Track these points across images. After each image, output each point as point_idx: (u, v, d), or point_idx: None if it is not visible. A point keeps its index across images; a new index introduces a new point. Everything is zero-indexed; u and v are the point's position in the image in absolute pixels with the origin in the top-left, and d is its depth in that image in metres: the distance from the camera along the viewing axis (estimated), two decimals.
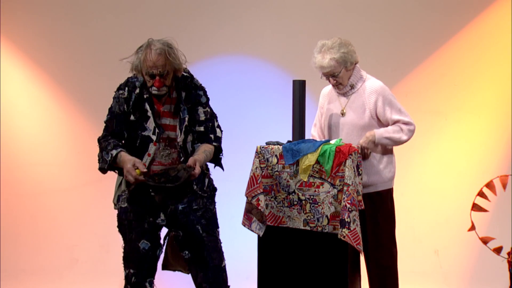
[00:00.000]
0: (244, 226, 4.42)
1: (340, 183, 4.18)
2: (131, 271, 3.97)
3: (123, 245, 4.04)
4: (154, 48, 3.84)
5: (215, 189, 4.14)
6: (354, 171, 4.16)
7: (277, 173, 4.36)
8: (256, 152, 4.40)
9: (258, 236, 4.41)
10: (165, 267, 4.25)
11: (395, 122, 4.36)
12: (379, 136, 4.34)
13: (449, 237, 6.26)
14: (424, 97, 6.37)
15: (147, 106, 3.94)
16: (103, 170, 3.95)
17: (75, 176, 6.62)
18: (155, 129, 3.93)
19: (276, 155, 4.36)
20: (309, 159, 4.26)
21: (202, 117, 4.02)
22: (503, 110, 6.25)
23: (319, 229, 4.24)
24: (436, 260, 6.26)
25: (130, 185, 3.96)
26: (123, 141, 3.99)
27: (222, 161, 4.11)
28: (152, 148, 3.93)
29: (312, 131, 4.70)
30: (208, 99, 4.07)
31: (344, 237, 4.09)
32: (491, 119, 6.29)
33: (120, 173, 3.99)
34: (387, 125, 4.40)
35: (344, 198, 4.12)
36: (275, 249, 4.39)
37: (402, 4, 6.43)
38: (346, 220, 4.08)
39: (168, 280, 5.60)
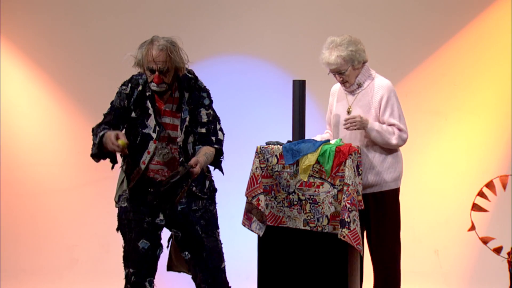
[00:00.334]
0: (244, 226, 4.42)
1: (340, 183, 4.18)
2: (131, 270, 3.97)
3: (123, 244, 4.04)
4: (157, 44, 3.84)
5: (215, 190, 4.13)
6: (354, 171, 4.16)
7: (277, 173, 4.36)
8: (256, 152, 4.40)
9: (258, 236, 4.41)
10: (169, 268, 4.24)
11: (391, 125, 4.34)
12: (372, 125, 4.29)
13: (449, 237, 6.25)
14: (424, 97, 6.36)
15: (149, 104, 3.95)
16: (95, 156, 3.89)
17: (75, 176, 6.62)
18: (155, 127, 3.93)
19: (276, 155, 4.36)
20: (309, 159, 4.26)
21: (205, 118, 4.01)
22: (503, 110, 6.24)
23: (319, 229, 4.24)
24: (436, 260, 6.25)
25: (130, 182, 3.96)
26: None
27: (222, 163, 4.10)
28: (152, 146, 3.93)
29: (326, 130, 4.68)
30: (211, 101, 4.06)
31: (344, 237, 4.09)
32: (491, 119, 6.28)
33: (112, 159, 3.97)
34: (383, 124, 4.38)
35: (344, 198, 4.12)
36: (275, 249, 4.39)
37: (402, 4, 6.42)
38: (346, 220, 4.08)
39: (168, 280, 5.60)
